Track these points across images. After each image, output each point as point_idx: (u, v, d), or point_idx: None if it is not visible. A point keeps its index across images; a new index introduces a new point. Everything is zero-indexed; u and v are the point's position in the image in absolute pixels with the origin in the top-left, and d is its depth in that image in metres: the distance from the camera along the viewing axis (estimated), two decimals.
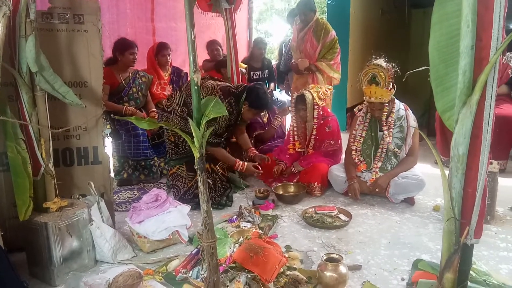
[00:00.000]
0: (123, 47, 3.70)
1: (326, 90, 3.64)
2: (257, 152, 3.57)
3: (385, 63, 2.95)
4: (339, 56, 4.32)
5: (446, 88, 1.20)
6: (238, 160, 3.32)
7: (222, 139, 3.32)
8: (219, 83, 3.30)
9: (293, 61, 4.49)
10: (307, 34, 4.20)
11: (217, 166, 3.34)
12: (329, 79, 4.23)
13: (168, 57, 4.14)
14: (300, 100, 3.54)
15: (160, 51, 4.09)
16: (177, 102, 3.18)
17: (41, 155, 2.17)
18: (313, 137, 3.60)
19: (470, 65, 1.14)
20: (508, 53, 3.91)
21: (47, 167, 2.19)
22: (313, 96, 3.51)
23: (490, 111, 1.16)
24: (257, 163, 3.41)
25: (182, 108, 3.14)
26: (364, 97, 3.12)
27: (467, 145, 1.18)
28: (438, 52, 1.16)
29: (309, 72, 4.24)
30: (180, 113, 3.13)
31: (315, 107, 3.53)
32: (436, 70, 1.18)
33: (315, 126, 3.56)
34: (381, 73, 2.92)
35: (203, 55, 4.91)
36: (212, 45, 4.79)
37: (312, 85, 3.68)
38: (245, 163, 3.32)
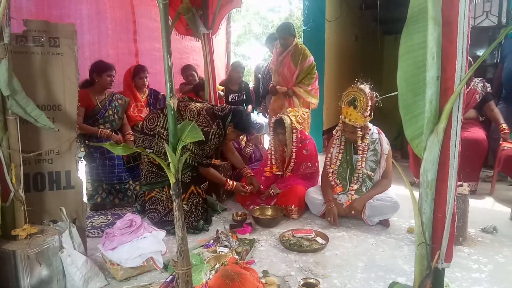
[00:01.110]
0: (100, 69, 3.67)
1: (303, 113, 3.70)
2: (252, 173, 3.70)
3: (369, 90, 3.01)
4: (317, 82, 4.42)
5: (414, 116, 1.24)
6: (228, 179, 3.47)
7: (211, 160, 3.38)
8: (202, 105, 3.34)
9: (271, 83, 4.56)
10: (286, 58, 4.29)
11: (200, 189, 3.33)
12: (306, 103, 4.31)
13: (145, 80, 4.13)
14: (279, 124, 3.58)
15: (137, 73, 4.08)
16: (161, 125, 3.18)
17: (11, 180, 2.10)
18: (292, 160, 3.64)
19: (436, 94, 1.19)
20: (475, 78, 4.10)
21: (17, 193, 2.12)
22: (291, 120, 3.56)
23: (456, 138, 1.21)
24: (244, 183, 3.56)
25: (168, 131, 3.12)
26: (340, 116, 3.19)
27: (436, 171, 1.22)
28: (406, 82, 1.21)
29: (285, 96, 4.31)
30: (166, 136, 3.12)
31: (294, 131, 3.58)
32: (404, 99, 1.23)
33: (294, 150, 3.60)
34: (361, 98, 2.99)
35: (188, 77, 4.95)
36: (187, 71, 4.83)
37: (290, 109, 3.74)
38: (234, 182, 3.48)
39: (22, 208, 2.15)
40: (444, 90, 1.19)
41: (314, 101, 4.36)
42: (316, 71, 4.37)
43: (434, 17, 1.12)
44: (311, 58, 4.30)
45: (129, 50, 4.59)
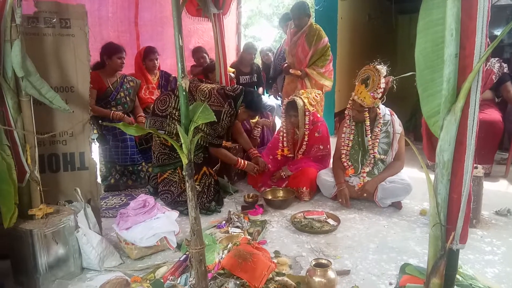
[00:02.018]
0: (111, 51, 3.67)
1: (316, 95, 3.66)
2: (259, 155, 3.72)
3: (385, 72, 2.95)
4: (331, 64, 4.34)
5: (432, 94, 1.21)
6: (239, 158, 3.51)
7: (223, 140, 3.41)
8: (213, 85, 3.35)
9: (284, 63, 4.50)
10: (300, 39, 4.22)
11: (212, 170, 3.35)
12: (318, 85, 4.25)
13: (156, 61, 4.12)
14: (291, 106, 3.55)
15: (147, 55, 4.07)
16: (173, 106, 3.18)
17: (27, 161, 2.14)
18: (304, 142, 3.62)
19: (454, 73, 1.16)
20: (492, 59, 3.99)
21: (32, 174, 2.16)
22: (304, 102, 3.52)
23: (474, 118, 1.18)
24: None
25: (180, 112, 3.13)
26: (352, 93, 3.15)
27: (452, 151, 1.20)
28: (424, 58, 1.18)
29: (298, 78, 4.26)
30: (178, 117, 3.13)
31: (306, 113, 3.55)
32: (422, 75, 1.20)
33: (306, 132, 3.58)
34: (374, 78, 2.94)
35: (190, 60, 4.90)
36: (198, 53, 4.79)
37: (302, 91, 3.70)
38: (245, 161, 3.53)
39: (38, 188, 2.19)
40: (463, 68, 1.15)
41: (327, 83, 4.29)
42: (330, 53, 4.29)
43: None
44: (325, 39, 4.21)
45: (130, 32, 4.55)
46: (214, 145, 3.28)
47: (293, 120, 3.59)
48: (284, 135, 3.69)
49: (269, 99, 5.48)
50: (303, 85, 4.27)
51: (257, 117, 4.21)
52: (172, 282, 2.09)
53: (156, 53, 4.13)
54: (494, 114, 3.86)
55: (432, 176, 1.29)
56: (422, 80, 1.20)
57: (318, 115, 3.76)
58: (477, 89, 1.17)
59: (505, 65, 4.01)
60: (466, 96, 1.16)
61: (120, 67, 3.74)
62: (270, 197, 3.35)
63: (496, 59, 4.03)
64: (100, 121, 3.58)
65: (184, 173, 1.63)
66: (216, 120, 2.84)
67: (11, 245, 2.14)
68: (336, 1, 5.77)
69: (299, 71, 4.23)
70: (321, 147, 3.63)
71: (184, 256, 2.30)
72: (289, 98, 3.62)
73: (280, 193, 3.45)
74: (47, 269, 2.11)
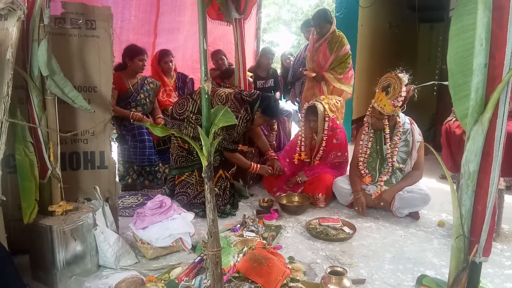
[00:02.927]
0: (133, 53, 3.73)
1: (336, 102, 3.63)
2: (276, 158, 3.74)
3: (406, 80, 2.92)
4: (351, 71, 4.31)
5: (464, 96, 1.20)
6: (252, 163, 3.52)
7: (238, 146, 3.43)
8: (230, 90, 3.37)
9: (303, 68, 4.49)
10: (322, 46, 4.21)
11: (228, 173, 3.36)
12: (337, 91, 4.22)
13: (171, 64, 4.18)
14: (311, 111, 3.54)
15: (162, 58, 4.14)
16: (190, 109, 3.21)
17: (49, 158, 2.18)
18: (321, 148, 3.60)
19: (482, 83, 1.14)
20: None
21: (54, 171, 2.20)
22: (324, 107, 3.51)
23: (502, 129, 1.16)
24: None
25: (197, 116, 3.17)
26: (372, 100, 3.12)
27: (478, 162, 1.18)
28: (456, 64, 1.18)
29: (316, 82, 4.24)
30: (195, 121, 3.16)
31: (326, 118, 3.53)
32: (454, 79, 1.20)
33: (324, 138, 3.56)
34: (396, 86, 2.91)
35: (209, 63, 4.90)
36: (217, 55, 4.82)
37: (323, 96, 3.68)
38: (258, 165, 3.55)
39: (59, 185, 2.23)
40: (492, 78, 1.13)
41: (347, 88, 4.24)
42: (351, 61, 4.27)
43: (484, 1, 1.07)
44: (347, 46, 4.20)
45: (148, 35, 4.56)
46: (229, 150, 3.30)
47: (312, 125, 3.58)
48: (302, 139, 3.68)
49: (286, 104, 5.47)
50: (321, 90, 4.25)
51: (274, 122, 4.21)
52: (186, 283, 2.10)
53: (171, 55, 4.18)
54: None
55: (454, 187, 1.27)
56: (455, 83, 1.20)
57: (338, 122, 3.74)
58: (506, 100, 1.15)
59: None
60: (494, 107, 1.14)
61: (141, 69, 3.80)
62: (285, 202, 3.33)
63: None
64: (131, 120, 3.63)
65: (203, 175, 1.64)
66: (232, 125, 2.86)
67: (31, 241, 2.18)
68: (357, 8, 5.75)
69: (314, 73, 4.22)
70: (339, 154, 3.60)
71: (199, 257, 2.30)
72: (310, 103, 3.61)
73: (296, 199, 3.44)
74: (65, 265, 2.14)
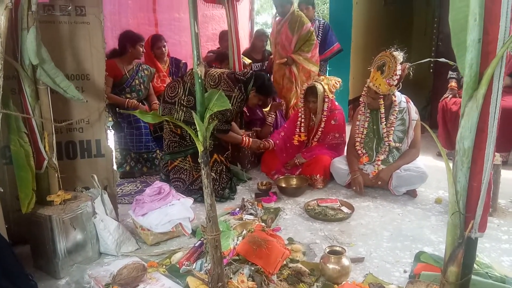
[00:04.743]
0: (135, 39, 3.70)
1: (336, 82, 3.61)
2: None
3: (401, 59, 2.90)
4: (317, 49, 4.34)
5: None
6: (243, 137, 3.51)
7: (230, 126, 3.40)
8: (223, 70, 3.33)
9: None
10: (283, 27, 4.23)
11: (223, 157, 3.35)
12: (305, 71, 4.26)
13: (164, 49, 4.14)
14: (311, 92, 3.52)
15: (154, 43, 4.10)
16: (181, 92, 3.18)
17: (45, 148, 2.17)
18: (320, 129, 3.60)
19: (476, 58, 1.13)
20: None
21: (50, 160, 2.19)
22: (324, 88, 3.49)
23: (496, 105, 1.15)
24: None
25: (189, 98, 3.14)
26: (367, 80, 3.11)
27: (473, 139, 1.17)
28: (458, 23, 1.16)
29: (285, 65, 4.25)
30: (187, 103, 3.13)
31: (326, 99, 3.51)
32: (457, 37, 1.18)
33: (324, 119, 3.56)
34: (390, 65, 2.89)
35: (209, 46, 4.87)
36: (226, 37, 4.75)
37: (323, 77, 3.66)
38: (250, 139, 3.54)
39: (56, 175, 2.23)
40: (486, 54, 1.12)
41: (314, 68, 4.29)
42: (315, 38, 4.29)
43: None
44: (308, 24, 4.21)
45: (149, 20, 4.55)
46: (222, 131, 3.26)
47: (311, 106, 3.56)
48: (302, 120, 3.67)
49: None
50: (291, 71, 4.27)
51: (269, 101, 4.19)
52: (187, 267, 2.12)
53: (163, 40, 4.14)
54: None
55: (449, 164, 1.28)
56: (458, 41, 1.18)
57: (336, 103, 3.72)
58: (500, 76, 1.14)
59: None
60: (489, 83, 1.13)
61: (141, 55, 3.80)
62: (283, 185, 3.35)
63: None
64: (117, 109, 3.62)
65: (200, 160, 1.64)
66: None
67: (30, 231, 2.20)
68: None
69: (285, 59, 4.23)
70: (337, 135, 3.60)
71: (199, 242, 2.32)
72: (309, 83, 3.59)
73: (294, 181, 3.45)
74: (66, 253, 2.16)
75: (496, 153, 2.72)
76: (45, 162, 2.18)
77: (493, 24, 1.11)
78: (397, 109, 3.10)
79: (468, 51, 1.12)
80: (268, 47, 5.13)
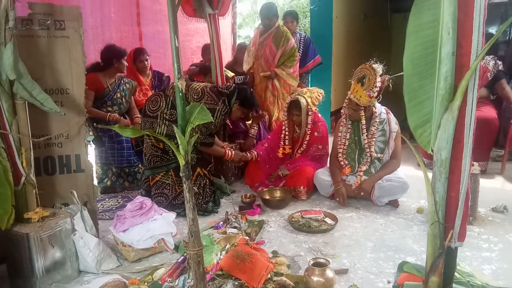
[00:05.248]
0: (120, 54, 3.69)
1: (318, 95, 3.65)
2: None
3: (380, 71, 2.96)
4: (298, 65, 4.45)
5: (420, 102, 1.19)
6: (226, 150, 3.51)
7: (214, 139, 3.38)
8: (206, 84, 3.34)
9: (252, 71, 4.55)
10: (267, 39, 4.29)
11: (206, 170, 3.33)
12: (286, 85, 4.34)
13: (146, 62, 4.14)
14: (294, 106, 3.56)
15: (137, 57, 4.08)
16: (164, 106, 3.16)
17: (22, 164, 2.12)
18: (305, 142, 3.62)
19: (451, 71, 1.16)
20: (487, 56, 4.01)
21: (28, 177, 2.14)
22: (307, 101, 3.53)
23: (471, 116, 1.18)
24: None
25: (171, 111, 3.12)
26: (348, 92, 3.16)
27: (450, 149, 1.20)
28: (413, 64, 1.16)
29: (268, 79, 4.31)
30: (170, 116, 3.11)
31: (309, 112, 3.55)
32: (409, 83, 1.17)
33: (308, 132, 3.58)
34: (370, 77, 2.94)
35: (193, 59, 4.87)
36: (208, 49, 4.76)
37: (305, 90, 3.70)
38: (232, 151, 3.54)
39: (34, 191, 2.17)
40: (460, 66, 1.15)
41: (294, 83, 4.38)
42: (297, 54, 4.39)
43: None
44: (292, 41, 4.32)
45: (133, 33, 4.54)
46: (205, 144, 3.25)
47: (295, 119, 3.60)
48: (286, 133, 3.69)
49: None
50: (273, 85, 4.34)
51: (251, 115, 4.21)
52: (170, 284, 2.08)
53: (146, 53, 4.14)
54: (489, 112, 3.88)
55: (428, 174, 1.30)
56: (409, 87, 1.16)
57: (319, 115, 3.76)
58: (474, 87, 1.17)
59: (500, 62, 4.03)
60: (463, 95, 1.16)
61: (125, 69, 3.78)
62: (267, 197, 3.34)
63: (491, 56, 4.05)
64: (94, 124, 3.57)
65: (181, 175, 1.62)
66: None
67: (7, 249, 2.13)
68: (331, 0, 5.77)
69: (268, 72, 4.29)
70: (320, 146, 3.64)
71: (182, 257, 2.29)
72: (292, 96, 3.62)
73: (278, 193, 3.45)
74: (44, 272, 2.10)
75: (474, 162, 2.79)
76: (23, 178, 2.13)
77: (466, 37, 1.15)
78: (377, 120, 3.15)
79: (442, 64, 1.15)
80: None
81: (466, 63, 1.16)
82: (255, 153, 3.70)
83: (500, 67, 4.00)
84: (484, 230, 2.70)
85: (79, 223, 2.31)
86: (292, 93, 3.76)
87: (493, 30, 5.24)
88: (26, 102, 2.13)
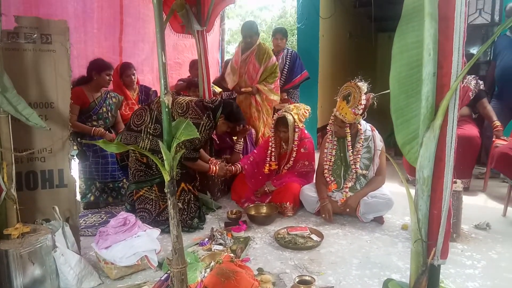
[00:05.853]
0: (101, 67, 3.65)
1: (305, 111, 3.69)
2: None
3: (365, 89, 3.01)
4: (278, 81, 4.54)
5: (407, 120, 1.22)
6: (211, 165, 3.48)
7: (199, 153, 3.36)
8: (192, 98, 3.33)
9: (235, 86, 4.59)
10: (250, 57, 4.36)
11: (190, 186, 3.30)
12: (268, 100, 4.44)
13: (133, 77, 4.14)
14: (282, 122, 3.58)
15: (124, 71, 4.08)
16: (148, 120, 3.14)
17: (3, 179, 2.07)
18: (292, 158, 3.64)
19: (432, 91, 1.19)
20: (469, 76, 4.12)
21: (9, 192, 2.09)
22: (294, 118, 3.55)
23: (452, 134, 1.21)
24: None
25: (155, 126, 3.10)
26: (333, 109, 3.20)
27: (432, 167, 1.22)
28: (399, 83, 1.19)
29: (251, 95, 4.39)
30: (154, 131, 3.09)
31: (296, 129, 3.57)
32: (396, 101, 1.21)
33: (295, 148, 3.60)
34: (355, 94, 2.99)
35: (180, 74, 4.89)
36: (196, 65, 4.79)
37: (292, 106, 3.72)
38: (217, 166, 3.51)
39: (14, 207, 2.12)
40: (440, 86, 1.19)
41: (276, 98, 4.48)
42: (278, 71, 4.48)
43: (431, 13, 1.12)
44: (274, 58, 4.43)
45: (114, 49, 4.55)
46: (190, 159, 3.22)
47: (282, 136, 3.62)
48: (273, 149, 3.70)
49: None
50: (256, 101, 4.42)
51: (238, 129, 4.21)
52: None
53: (133, 68, 4.14)
54: (471, 130, 3.96)
55: (412, 191, 1.31)
56: (396, 106, 1.20)
57: (306, 132, 3.79)
58: (455, 107, 1.20)
59: (481, 82, 4.14)
60: (444, 114, 1.19)
61: (107, 83, 3.74)
62: (253, 213, 3.33)
63: (473, 76, 4.16)
64: (78, 139, 3.53)
65: (166, 190, 1.61)
66: None
67: None
68: (317, 19, 5.89)
69: (250, 88, 4.37)
70: (306, 163, 3.65)
71: (166, 275, 2.24)
72: (279, 113, 3.64)
73: (264, 209, 3.44)
74: None
75: (457, 180, 2.84)
76: (3, 193, 2.08)
77: (446, 58, 1.18)
78: (362, 137, 3.19)
79: (424, 85, 1.19)
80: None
81: (446, 83, 1.19)
82: (240, 165, 3.69)
83: (482, 87, 4.10)
84: (468, 247, 2.73)
85: (61, 240, 2.26)
86: (279, 110, 3.79)
87: (474, 50, 5.40)
88: (9, 115, 2.10)
